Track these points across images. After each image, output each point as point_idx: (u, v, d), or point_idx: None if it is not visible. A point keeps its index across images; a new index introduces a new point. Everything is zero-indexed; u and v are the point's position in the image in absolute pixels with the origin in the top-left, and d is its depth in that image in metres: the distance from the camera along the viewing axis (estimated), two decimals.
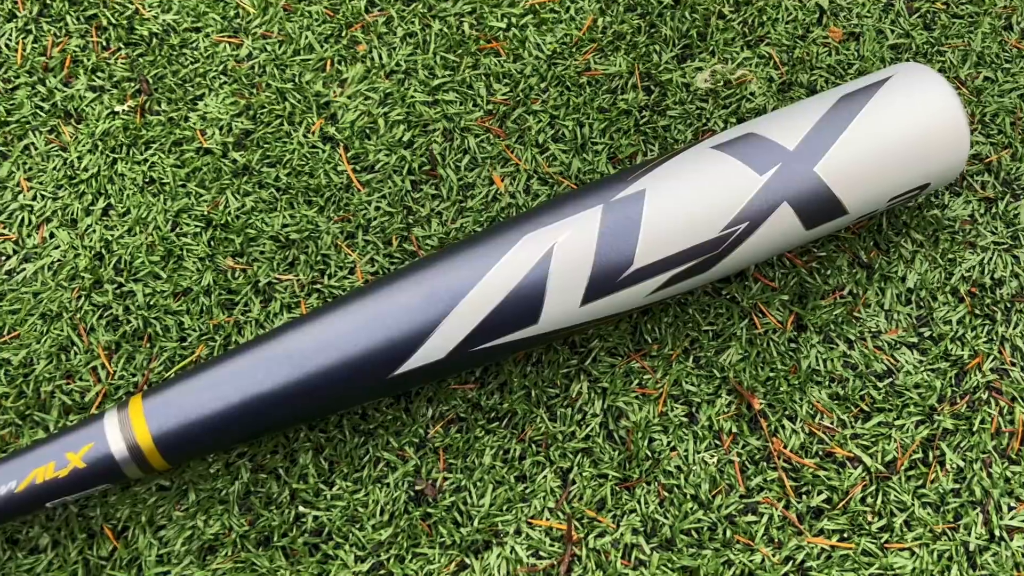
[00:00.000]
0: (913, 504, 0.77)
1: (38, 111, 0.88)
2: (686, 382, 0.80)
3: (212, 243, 0.84)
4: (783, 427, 0.79)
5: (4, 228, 0.84)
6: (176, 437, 0.69)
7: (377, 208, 0.85)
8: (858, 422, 0.79)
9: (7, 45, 0.90)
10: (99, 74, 0.90)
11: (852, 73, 0.91)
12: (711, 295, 0.83)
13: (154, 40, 0.91)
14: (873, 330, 0.82)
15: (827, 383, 0.80)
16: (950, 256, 0.85)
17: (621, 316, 0.77)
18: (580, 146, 0.88)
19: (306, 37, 0.91)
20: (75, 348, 0.80)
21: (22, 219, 0.85)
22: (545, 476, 0.77)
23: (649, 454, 0.78)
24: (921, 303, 0.83)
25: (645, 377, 0.81)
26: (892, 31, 0.93)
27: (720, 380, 0.81)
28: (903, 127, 0.74)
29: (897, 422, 0.79)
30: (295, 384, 0.70)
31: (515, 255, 0.71)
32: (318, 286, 0.83)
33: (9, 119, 0.88)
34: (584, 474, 0.77)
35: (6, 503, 0.68)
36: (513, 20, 0.92)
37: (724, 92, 0.90)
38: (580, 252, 0.71)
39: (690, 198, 0.73)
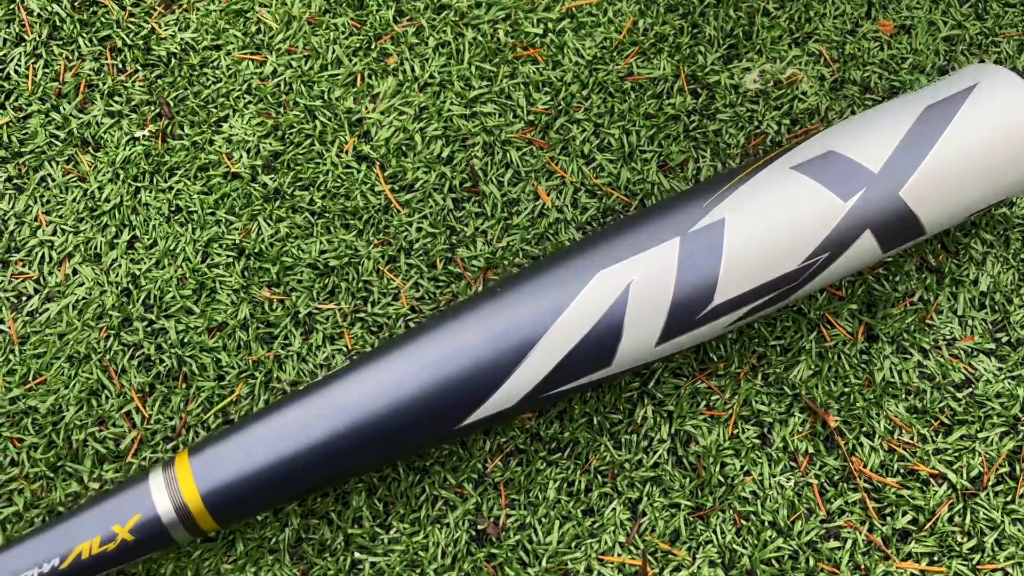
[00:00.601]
0: (1003, 521, 0.72)
1: (53, 140, 0.83)
2: (756, 401, 0.76)
3: (246, 273, 0.79)
4: (861, 445, 0.75)
5: (24, 266, 0.79)
6: (228, 496, 0.64)
7: (419, 229, 0.81)
8: (939, 436, 0.75)
9: (16, 71, 0.86)
10: (116, 98, 0.85)
11: (906, 67, 0.87)
12: None
13: (172, 60, 0.86)
14: (948, 337, 0.78)
15: (904, 396, 0.76)
16: (1023, 256, 0.81)
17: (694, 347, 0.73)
18: (628, 155, 0.83)
19: (333, 51, 0.86)
20: (106, 392, 0.75)
21: (43, 256, 0.80)
22: (614, 508, 0.73)
23: (722, 480, 0.74)
24: (996, 307, 0.79)
25: (713, 398, 0.76)
26: (944, 22, 0.89)
27: (792, 397, 0.76)
28: (993, 143, 0.69)
29: (980, 435, 0.75)
30: (354, 436, 0.65)
31: (590, 294, 0.66)
32: (361, 315, 0.78)
33: (23, 149, 0.83)
34: (655, 504, 0.73)
35: None
36: (550, 25, 0.88)
37: (775, 93, 0.86)
38: (658, 290, 0.66)
39: (773, 228, 0.68)
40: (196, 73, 0.86)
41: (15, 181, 0.82)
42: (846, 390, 0.76)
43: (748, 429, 0.75)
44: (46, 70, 0.86)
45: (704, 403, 0.76)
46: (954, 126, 0.69)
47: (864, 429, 0.75)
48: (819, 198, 0.68)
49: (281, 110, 0.85)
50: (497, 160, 0.83)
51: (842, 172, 0.68)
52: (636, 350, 0.67)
